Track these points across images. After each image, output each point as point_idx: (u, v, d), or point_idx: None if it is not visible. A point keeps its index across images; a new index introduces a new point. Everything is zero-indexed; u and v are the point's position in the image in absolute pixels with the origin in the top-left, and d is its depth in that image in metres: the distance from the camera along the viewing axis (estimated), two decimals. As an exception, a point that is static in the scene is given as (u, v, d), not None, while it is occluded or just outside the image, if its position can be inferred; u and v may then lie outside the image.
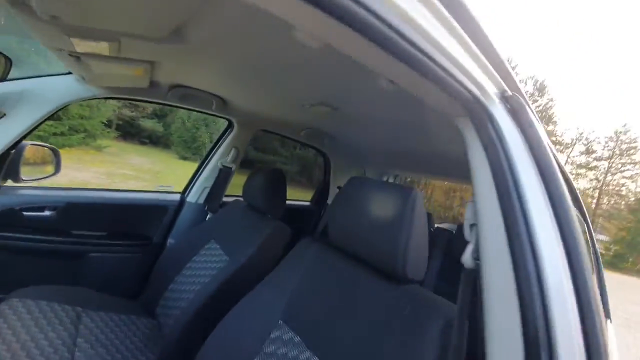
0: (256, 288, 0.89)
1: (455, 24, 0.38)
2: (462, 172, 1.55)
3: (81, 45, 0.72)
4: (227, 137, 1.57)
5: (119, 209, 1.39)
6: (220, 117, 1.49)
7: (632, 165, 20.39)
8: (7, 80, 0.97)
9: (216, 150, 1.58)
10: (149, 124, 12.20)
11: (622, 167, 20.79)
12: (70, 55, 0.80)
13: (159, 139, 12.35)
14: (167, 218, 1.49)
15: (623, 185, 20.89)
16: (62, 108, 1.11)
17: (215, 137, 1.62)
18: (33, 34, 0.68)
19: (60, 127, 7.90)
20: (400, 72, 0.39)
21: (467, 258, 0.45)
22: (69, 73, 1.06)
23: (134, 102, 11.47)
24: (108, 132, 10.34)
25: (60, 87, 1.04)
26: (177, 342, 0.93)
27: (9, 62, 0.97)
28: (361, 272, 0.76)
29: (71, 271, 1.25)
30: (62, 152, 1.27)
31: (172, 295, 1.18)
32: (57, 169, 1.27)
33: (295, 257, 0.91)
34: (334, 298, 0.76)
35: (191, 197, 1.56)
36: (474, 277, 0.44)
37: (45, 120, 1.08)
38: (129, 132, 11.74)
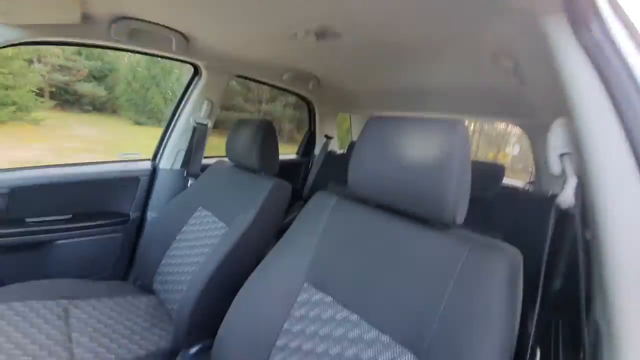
0: (272, 252, 0.80)
1: None
2: (483, 106, 1.45)
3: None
4: (195, 87, 1.32)
5: (81, 186, 1.18)
6: (183, 61, 1.23)
7: None
8: None
9: (184, 106, 1.34)
10: (86, 87, 10.59)
11: None
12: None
13: (104, 105, 10.92)
14: (140, 190, 1.31)
15: None
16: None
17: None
18: None
19: (-19, 101, 6.63)
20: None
21: (567, 196, 0.37)
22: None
23: (65, 65, 9.83)
24: (42, 102, 8.91)
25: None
26: (191, 316, 0.85)
27: None
28: (397, 222, 0.68)
29: (40, 265, 1.08)
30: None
31: (167, 270, 1.07)
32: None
33: (312, 213, 0.82)
34: (365, 252, 0.69)
35: (164, 163, 1.36)
36: (571, 216, 0.37)
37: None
38: (66, 100, 10.20)
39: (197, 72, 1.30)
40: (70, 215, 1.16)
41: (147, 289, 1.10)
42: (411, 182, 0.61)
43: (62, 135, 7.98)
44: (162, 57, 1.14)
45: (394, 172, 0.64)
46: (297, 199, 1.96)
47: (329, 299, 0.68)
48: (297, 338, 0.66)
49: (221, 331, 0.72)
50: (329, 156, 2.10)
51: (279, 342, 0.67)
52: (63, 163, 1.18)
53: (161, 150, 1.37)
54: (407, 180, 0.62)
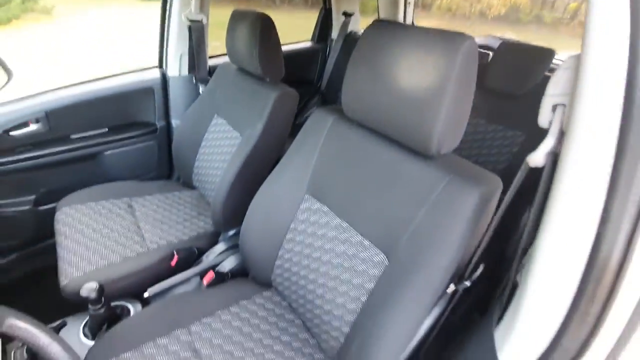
0: (278, 166, 0.89)
1: None
2: None
3: None
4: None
5: (104, 101, 1.26)
6: None
7: None
8: None
9: (171, 1, 1.18)
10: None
11: None
12: None
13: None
14: (157, 100, 1.36)
15: None
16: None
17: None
18: None
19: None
20: None
21: (538, 155, 0.35)
22: None
23: None
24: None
25: None
26: (224, 209, 1.03)
27: None
28: (386, 145, 0.69)
29: (95, 173, 1.29)
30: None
31: (200, 171, 1.23)
32: (8, 71, 1.06)
33: (310, 131, 0.85)
34: (356, 171, 0.74)
35: (171, 70, 1.34)
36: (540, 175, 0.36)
37: None
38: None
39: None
40: (107, 129, 1.30)
41: (188, 185, 1.31)
42: (399, 107, 0.58)
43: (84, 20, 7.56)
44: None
45: (385, 94, 0.60)
46: (315, 94, 1.88)
47: (325, 208, 0.78)
48: (300, 235, 0.82)
49: (244, 224, 0.90)
50: (349, 39, 1.82)
51: (288, 236, 0.84)
52: (83, 81, 1.23)
53: (164, 56, 1.32)
54: (395, 104, 0.59)
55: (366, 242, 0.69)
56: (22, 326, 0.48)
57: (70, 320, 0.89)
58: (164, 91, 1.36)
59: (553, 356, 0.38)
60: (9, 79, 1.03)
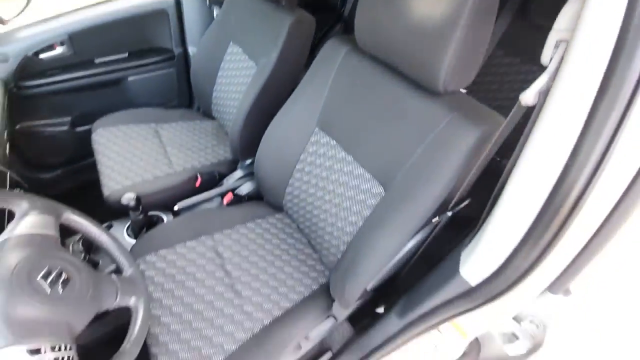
0: (292, 95, 0.92)
1: None
2: None
3: None
4: None
5: (120, 24, 1.25)
6: None
7: None
8: None
9: None
10: None
11: None
12: None
13: None
14: (173, 24, 1.33)
15: None
16: None
17: None
18: None
19: None
20: None
21: (530, 93, 0.37)
22: None
23: None
24: None
25: None
26: (240, 139, 1.11)
27: None
28: (397, 80, 0.70)
29: (121, 99, 1.36)
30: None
31: (218, 101, 1.27)
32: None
33: (324, 62, 0.85)
34: (363, 106, 0.76)
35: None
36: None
37: None
38: None
39: None
40: (127, 54, 1.32)
41: (208, 115, 1.37)
42: (410, 38, 0.58)
43: None
44: None
45: (398, 23, 0.59)
46: (337, 21, 1.73)
47: (333, 142, 0.84)
48: (309, 166, 0.89)
49: (258, 153, 0.98)
50: None
51: (298, 167, 0.92)
52: (96, 3, 1.21)
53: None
54: (407, 35, 0.58)
55: (367, 175, 0.75)
56: (78, 219, 0.61)
57: (115, 223, 1.07)
58: (179, 15, 1.32)
59: (505, 272, 0.45)
60: (28, 2, 1.04)
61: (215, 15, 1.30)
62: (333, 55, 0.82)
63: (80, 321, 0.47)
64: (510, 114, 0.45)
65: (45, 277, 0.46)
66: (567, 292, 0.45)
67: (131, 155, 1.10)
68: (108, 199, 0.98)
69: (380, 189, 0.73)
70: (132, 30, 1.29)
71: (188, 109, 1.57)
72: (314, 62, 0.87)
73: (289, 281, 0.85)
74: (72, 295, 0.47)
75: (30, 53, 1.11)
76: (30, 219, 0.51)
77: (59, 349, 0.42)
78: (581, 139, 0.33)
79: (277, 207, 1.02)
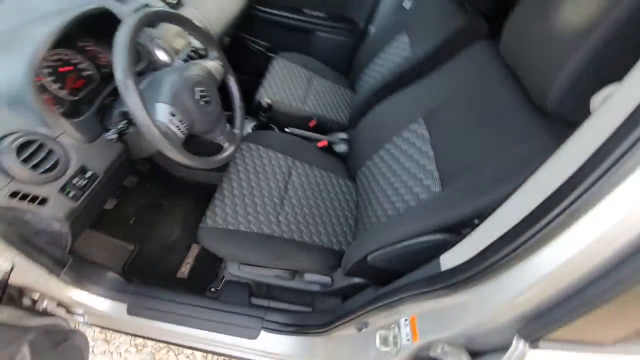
0: (416, 82, 0.98)
1: None
2: None
3: None
4: None
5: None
6: None
7: None
8: None
9: None
10: None
11: None
12: None
13: None
14: (369, 3, 1.54)
15: None
16: None
17: None
18: None
19: None
20: None
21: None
22: None
23: None
24: None
25: None
26: (356, 111, 1.26)
27: None
28: (512, 96, 0.67)
29: (305, 43, 1.70)
30: None
31: (363, 77, 1.45)
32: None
33: (460, 61, 0.89)
34: (472, 112, 0.76)
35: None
36: None
37: None
38: None
39: None
40: (325, 15, 1.63)
41: (352, 87, 1.57)
42: (539, 49, 0.55)
43: None
44: None
45: (540, 33, 0.56)
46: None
47: (427, 135, 0.87)
48: (395, 149, 0.95)
49: (360, 123, 1.10)
50: None
51: (386, 146, 0.99)
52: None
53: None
54: (536, 46, 0.56)
55: (436, 174, 0.77)
56: (233, 84, 0.91)
57: (249, 118, 1.40)
58: (376, -1, 1.52)
59: (471, 266, 0.44)
60: None
61: (403, 3, 1.43)
62: (470, 56, 0.84)
63: (200, 125, 0.78)
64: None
65: (201, 92, 0.76)
66: (535, 343, 0.38)
67: (287, 81, 1.42)
68: (257, 99, 1.31)
69: (438, 189, 0.73)
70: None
71: (342, 75, 1.81)
72: (456, 58, 0.89)
73: (320, 227, 0.97)
74: (207, 109, 0.78)
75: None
76: (214, 64, 0.83)
77: (180, 123, 0.72)
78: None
79: (352, 177, 1.13)
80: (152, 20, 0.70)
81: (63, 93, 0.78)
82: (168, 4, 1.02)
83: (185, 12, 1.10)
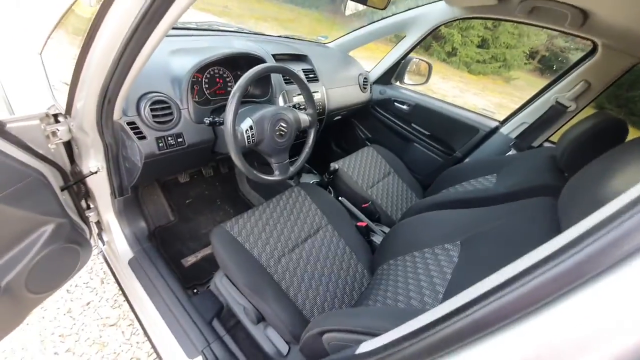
0: (475, 208, 0.94)
1: None
2: None
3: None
4: (581, 66, 1.22)
5: (444, 118, 1.72)
6: (581, 37, 1.15)
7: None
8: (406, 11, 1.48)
9: (558, 81, 1.31)
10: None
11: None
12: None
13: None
14: (475, 139, 1.63)
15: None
16: (436, 28, 1.48)
17: None
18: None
19: (485, 55, 8.86)
20: None
21: None
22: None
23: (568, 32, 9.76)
24: (527, 63, 10.00)
25: (433, 12, 1.40)
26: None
27: None
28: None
29: (401, 147, 1.86)
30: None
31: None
32: (427, 79, 1.78)
33: (519, 204, 0.83)
34: (507, 250, 0.68)
35: (505, 129, 1.52)
36: None
37: (424, 38, 1.53)
38: (550, 65, 10.56)
39: (594, 49, 1.16)
40: (429, 133, 1.80)
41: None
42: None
43: (514, 95, 8.89)
44: (561, 32, 1.17)
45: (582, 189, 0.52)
46: None
47: (456, 259, 0.79)
48: (421, 262, 0.89)
49: (398, 223, 1.09)
50: None
51: (415, 253, 0.93)
52: (446, 101, 1.76)
53: (510, 118, 1.52)
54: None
55: (440, 296, 0.68)
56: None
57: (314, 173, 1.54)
58: (484, 138, 1.60)
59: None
60: (424, 83, 1.74)
61: (507, 154, 1.45)
62: (533, 205, 0.80)
63: (266, 146, 0.97)
64: None
65: (281, 126, 0.96)
66: None
67: (366, 165, 1.53)
68: (331, 164, 1.45)
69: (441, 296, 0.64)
70: (445, 124, 1.73)
71: (420, 185, 1.84)
72: (516, 206, 0.85)
73: (311, 293, 0.93)
74: (278, 139, 0.97)
75: (392, 99, 1.84)
76: (304, 116, 1.06)
77: (252, 135, 0.90)
78: None
79: (371, 269, 1.07)
80: (276, 72, 0.98)
81: (207, 91, 1.11)
82: (305, 71, 1.38)
83: (316, 84, 1.44)
